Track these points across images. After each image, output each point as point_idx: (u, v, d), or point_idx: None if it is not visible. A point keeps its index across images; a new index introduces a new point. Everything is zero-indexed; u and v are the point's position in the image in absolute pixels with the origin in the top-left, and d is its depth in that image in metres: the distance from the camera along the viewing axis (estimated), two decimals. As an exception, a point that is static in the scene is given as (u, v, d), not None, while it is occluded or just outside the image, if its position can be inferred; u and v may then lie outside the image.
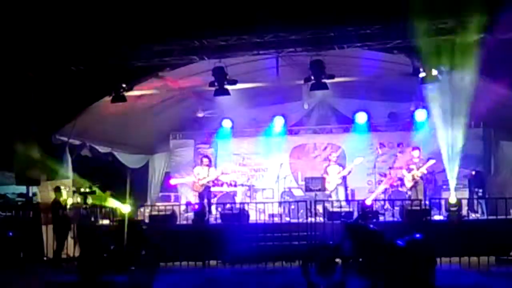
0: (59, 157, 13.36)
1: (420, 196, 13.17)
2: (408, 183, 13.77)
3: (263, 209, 13.35)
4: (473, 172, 13.93)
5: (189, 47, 11.82)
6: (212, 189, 14.61)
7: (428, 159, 13.52)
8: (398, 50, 11.66)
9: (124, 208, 11.70)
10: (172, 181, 15.91)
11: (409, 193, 13.76)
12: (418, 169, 13.55)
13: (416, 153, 13.87)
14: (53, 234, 11.79)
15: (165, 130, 17.12)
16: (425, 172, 13.51)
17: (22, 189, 13.02)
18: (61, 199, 12.43)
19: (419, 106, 14.92)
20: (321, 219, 12.63)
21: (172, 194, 16.05)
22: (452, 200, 11.93)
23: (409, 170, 13.74)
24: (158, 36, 11.00)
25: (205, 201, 13.73)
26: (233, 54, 12.03)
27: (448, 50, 10.96)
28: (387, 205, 14.01)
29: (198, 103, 15.85)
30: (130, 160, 16.06)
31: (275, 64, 12.61)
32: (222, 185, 16.20)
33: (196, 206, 12.84)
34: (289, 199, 15.09)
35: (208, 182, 13.86)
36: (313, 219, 12.37)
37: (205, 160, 14.17)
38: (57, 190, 12.11)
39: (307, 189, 13.80)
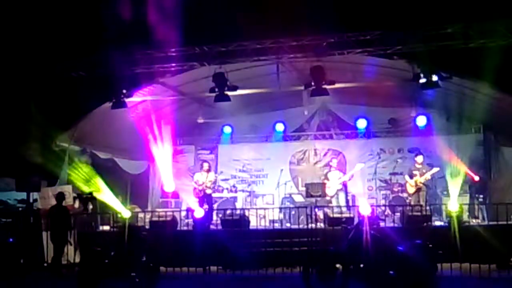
0: (59, 163, 13.37)
1: (422, 202, 13.08)
2: (410, 189, 13.56)
3: (264, 215, 13.33)
4: (477, 178, 13.84)
5: (189, 53, 11.86)
6: (213, 195, 14.52)
7: (432, 166, 13.41)
8: (398, 56, 11.70)
9: (124, 212, 11.66)
10: (166, 188, 15.53)
11: (410, 198, 13.65)
12: (421, 175, 13.34)
13: (419, 158, 13.62)
14: (51, 240, 11.73)
15: (166, 136, 17.09)
16: (429, 178, 13.34)
17: (23, 195, 12.99)
18: (67, 204, 12.36)
19: (420, 112, 14.94)
20: (322, 225, 12.60)
21: (173, 200, 16.01)
22: (453, 206, 11.85)
23: (412, 176, 13.52)
24: (159, 42, 11.05)
25: (205, 207, 13.60)
26: (233, 60, 12.06)
27: (447, 56, 10.98)
28: (387, 211, 13.98)
29: (199, 109, 15.85)
30: (130, 166, 16.04)
31: (276, 70, 12.62)
32: (222, 191, 16.23)
33: (201, 214, 12.67)
34: (289, 205, 15.08)
35: (205, 187, 13.60)
36: (313, 225, 12.34)
37: (205, 165, 13.96)
38: (61, 195, 12.07)
39: (308, 195, 13.78)
